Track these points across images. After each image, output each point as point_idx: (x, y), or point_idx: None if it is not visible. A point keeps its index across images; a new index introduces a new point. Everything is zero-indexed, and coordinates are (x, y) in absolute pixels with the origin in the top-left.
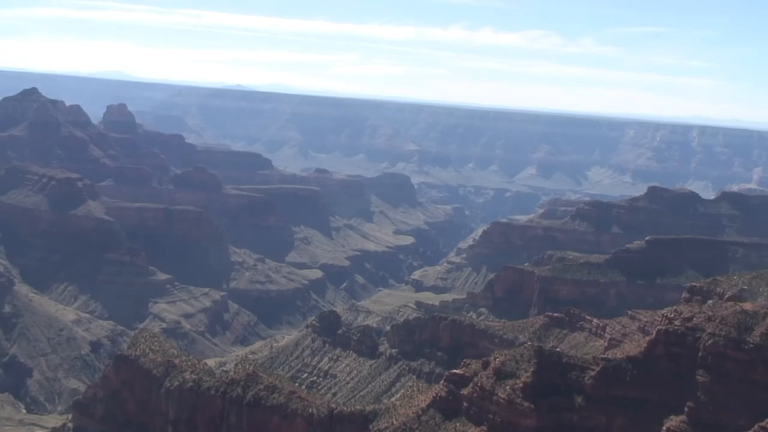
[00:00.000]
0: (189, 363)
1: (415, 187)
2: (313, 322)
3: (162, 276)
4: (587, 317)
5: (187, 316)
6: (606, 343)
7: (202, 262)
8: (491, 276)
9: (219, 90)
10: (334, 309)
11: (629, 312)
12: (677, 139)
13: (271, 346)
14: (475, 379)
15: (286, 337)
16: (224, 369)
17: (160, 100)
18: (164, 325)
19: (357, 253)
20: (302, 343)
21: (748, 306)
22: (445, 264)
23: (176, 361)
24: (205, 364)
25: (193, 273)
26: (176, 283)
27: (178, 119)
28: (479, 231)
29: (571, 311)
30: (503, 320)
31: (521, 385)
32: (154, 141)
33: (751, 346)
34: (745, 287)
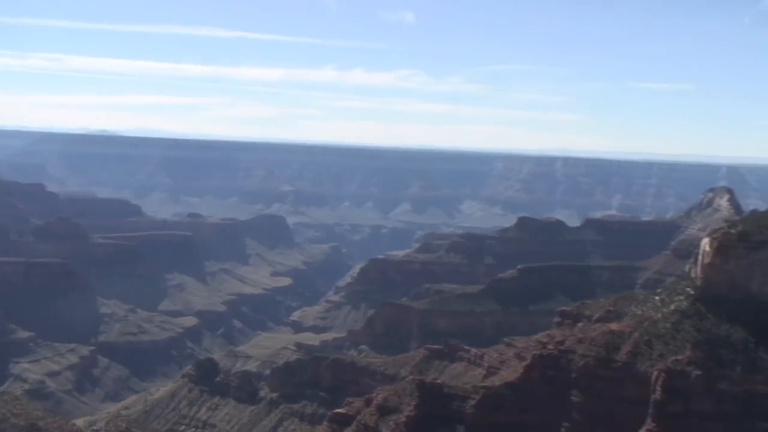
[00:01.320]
0: (55, 425)
1: (291, 227)
2: (190, 371)
3: (23, 334)
4: (465, 347)
5: (53, 374)
6: (485, 372)
7: (68, 317)
8: (370, 313)
9: (83, 136)
10: (211, 356)
11: (505, 339)
12: (543, 171)
13: (146, 400)
14: (359, 417)
15: (161, 389)
16: (94, 428)
17: (18, 148)
18: (27, 386)
19: (233, 297)
20: (178, 394)
21: (614, 326)
22: (324, 303)
23: (41, 424)
24: (74, 424)
25: (58, 328)
26: (39, 341)
27: (39, 167)
28: (357, 268)
29: (450, 342)
30: (384, 356)
31: (404, 419)
32: (12, 191)
33: (619, 364)
34: (611, 308)
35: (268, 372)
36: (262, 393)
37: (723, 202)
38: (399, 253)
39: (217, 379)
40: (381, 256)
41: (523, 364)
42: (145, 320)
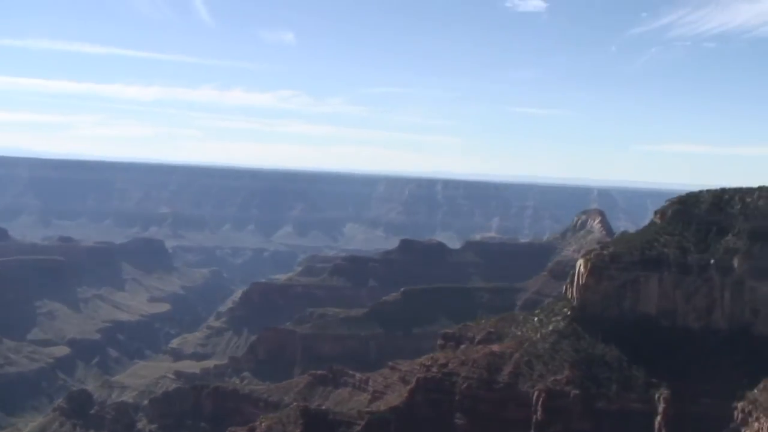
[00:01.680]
0: None
1: (170, 251)
2: (61, 404)
3: None
4: (350, 372)
5: None
6: (370, 396)
7: None
8: (253, 338)
9: None
10: (85, 387)
11: (390, 363)
12: (424, 193)
13: None
14: None
15: (30, 424)
16: None
17: None
18: None
19: (108, 324)
20: (49, 429)
21: (496, 348)
22: (204, 329)
23: None
24: None
25: None
26: None
27: None
28: (239, 293)
29: (334, 368)
30: (268, 383)
31: None
32: None
33: (501, 385)
34: (492, 330)
35: (146, 402)
36: (140, 425)
37: (595, 224)
38: (282, 277)
39: (92, 411)
40: (263, 280)
41: (408, 387)
42: (13, 350)
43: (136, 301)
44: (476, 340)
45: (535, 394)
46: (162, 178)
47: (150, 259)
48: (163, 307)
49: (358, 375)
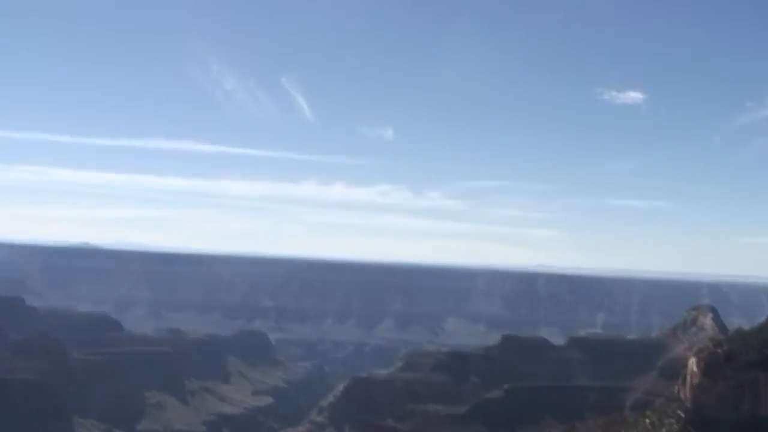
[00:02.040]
0: None
1: (273, 344)
2: None
3: None
4: None
5: None
6: None
7: None
8: None
9: (64, 249)
10: None
11: None
12: (525, 287)
13: None
14: None
15: None
16: None
17: None
18: None
19: (213, 417)
20: None
21: None
22: (306, 424)
23: None
24: None
25: None
26: None
27: (19, 281)
28: (340, 387)
29: None
30: None
31: None
32: None
33: None
34: (600, 431)
35: None
36: None
37: (707, 320)
38: (383, 372)
39: None
40: (364, 375)
41: None
42: None
43: (240, 393)
44: None
45: None
46: (267, 271)
47: (254, 352)
48: (267, 401)
49: None
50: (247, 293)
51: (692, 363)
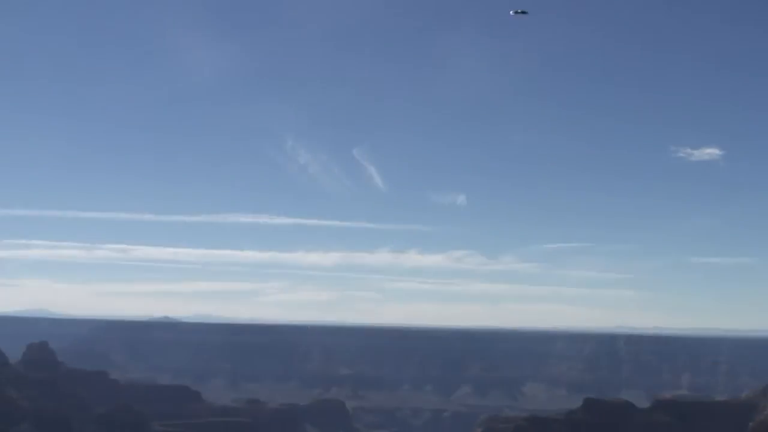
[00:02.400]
0: None
1: (351, 412)
2: None
3: None
4: None
5: None
6: None
7: None
8: None
9: (145, 323)
10: None
11: None
12: (606, 349)
13: None
14: None
15: None
16: None
17: (83, 336)
18: None
19: None
20: None
21: None
22: None
23: None
24: None
25: None
26: None
27: (102, 354)
28: None
29: None
30: None
31: None
32: (76, 379)
33: None
34: None
35: None
36: None
37: None
38: None
39: None
40: None
41: None
42: None
43: None
44: None
45: None
46: (342, 339)
47: (332, 421)
48: None
49: None
50: (324, 362)
51: None
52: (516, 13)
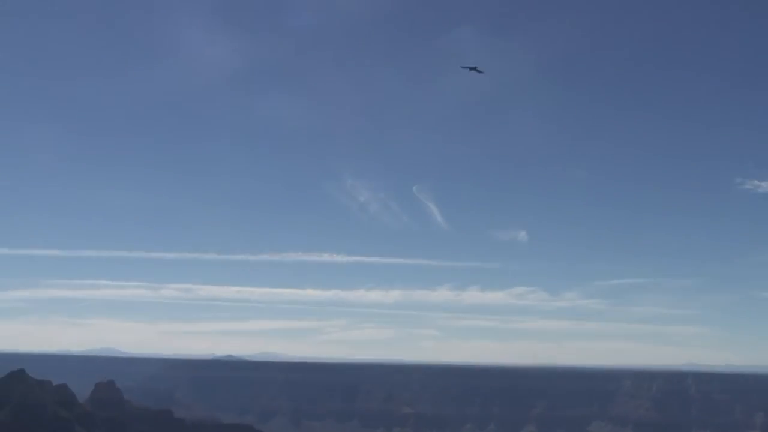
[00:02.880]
0: None
1: None
2: None
3: None
4: None
5: None
6: None
7: None
8: None
9: (209, 361)
10: None
11: None
12: (674, 388)
13: None
14: None
15: None
16: None
17: (149, 374)
18: None
19: None
20: None
21: None
22: None
23: None
24: None
25: None
26: None
27: (168, 393)
28: None
29: None
30: None
31: None
32: (142, 417)
33: None
34: None
35: None
36: None
37: None
38: None
39: None
40: None
41: None
42: None
43: None
44: None
45: None
46: (404, 377)
47: None
48: None
49: None
50: (385, 400)
51: None
52: (469, 69)
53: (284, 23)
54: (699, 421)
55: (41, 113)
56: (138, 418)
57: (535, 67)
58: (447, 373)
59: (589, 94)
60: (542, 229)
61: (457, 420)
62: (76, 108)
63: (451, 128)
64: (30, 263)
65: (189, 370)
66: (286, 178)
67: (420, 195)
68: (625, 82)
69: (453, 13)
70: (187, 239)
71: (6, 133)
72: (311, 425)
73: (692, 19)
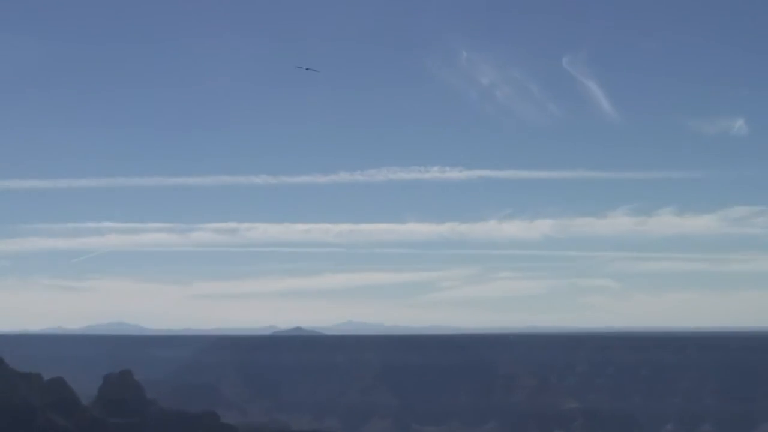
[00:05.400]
0: None
1: None
2: None
3: None
4: None
5: None
6: None
7: None
8: None
9: (268, 338)
10: None
11: None
12: None
13: None
14: None
15: None
16: None
17: (182, 361)
18: None
19: None
20: None
21: None
22: None
23: None
24: None
25: None
26: None
27: (210, 387)
28: None
29: None
30: None
31: None
32: (174, 424)
33: None
34: None
35: None
36: None
37: None
38: None
39: None
40: None
41: None
42: None
43: None
44: None
45: None
46: (564, 354)
47: None
48: None
49: None
50: (539, 391)
51: None
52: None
53: None
54: None
55: None
56: (167, 424)
57: None
58: (632, 344)
59: None
60: None
61: (657, 417)
62: None
63: None
64: (2, 201)
65: (239, 352)
66: (361, 51)
67: (573, 70)
68: None
69: None
70: (226, 158)
71: None
72: (425, 431)
73: None
